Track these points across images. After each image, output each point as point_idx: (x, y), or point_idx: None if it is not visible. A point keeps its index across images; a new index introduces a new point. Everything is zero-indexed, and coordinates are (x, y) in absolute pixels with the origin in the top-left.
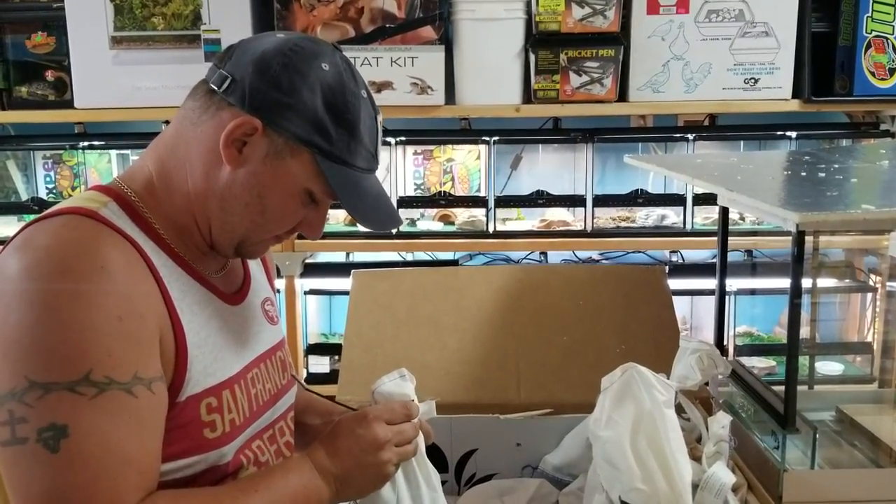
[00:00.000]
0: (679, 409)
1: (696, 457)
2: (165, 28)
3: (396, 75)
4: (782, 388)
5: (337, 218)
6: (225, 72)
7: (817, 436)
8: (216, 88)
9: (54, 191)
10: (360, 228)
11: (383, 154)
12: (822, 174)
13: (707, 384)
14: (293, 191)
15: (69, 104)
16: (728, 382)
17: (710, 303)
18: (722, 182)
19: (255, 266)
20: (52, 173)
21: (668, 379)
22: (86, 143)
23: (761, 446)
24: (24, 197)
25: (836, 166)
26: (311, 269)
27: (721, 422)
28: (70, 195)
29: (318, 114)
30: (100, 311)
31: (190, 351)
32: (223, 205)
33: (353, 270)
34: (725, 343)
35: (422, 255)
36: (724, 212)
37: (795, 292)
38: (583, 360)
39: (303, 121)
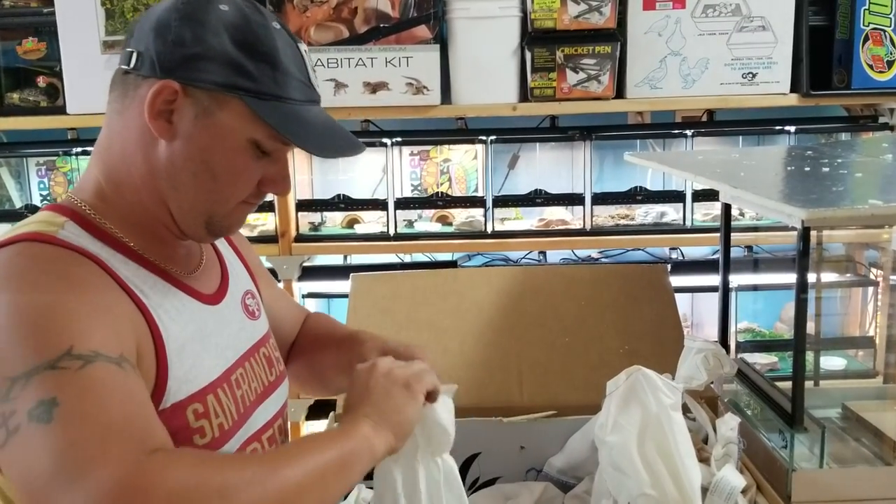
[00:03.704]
0: (685, 409)
1: (703, 458)
2: None
3: (391, 76)
4: (789, 385)
5: (334, 221)
6: (130, 48)
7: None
8: (127, 67)
9: (48, 197)
10: (358, 230)
11: (377, 154)
12: (826, 169)
13: (712, 383)
14: (236, 145)
15: (62, 110)
16: (734, 381)
17: (711, 300)
18: (725, 179)
19: (232, 260)
20: (45, 180)
21: (673, 379)
22: (79, 150)
23: (769, 445)
24: (18, 204)
25: (840, 161)
26: (309, 273)
27: (729, 423)
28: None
29: (229, 54)
30: (71, 312)
31: (169, 357)
32: (172, 183)
33: (351, 274)
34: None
35: (420, 257)
36: (727, 209)
37: (801, 288)
38: (586, 361)
39: (217, 66)
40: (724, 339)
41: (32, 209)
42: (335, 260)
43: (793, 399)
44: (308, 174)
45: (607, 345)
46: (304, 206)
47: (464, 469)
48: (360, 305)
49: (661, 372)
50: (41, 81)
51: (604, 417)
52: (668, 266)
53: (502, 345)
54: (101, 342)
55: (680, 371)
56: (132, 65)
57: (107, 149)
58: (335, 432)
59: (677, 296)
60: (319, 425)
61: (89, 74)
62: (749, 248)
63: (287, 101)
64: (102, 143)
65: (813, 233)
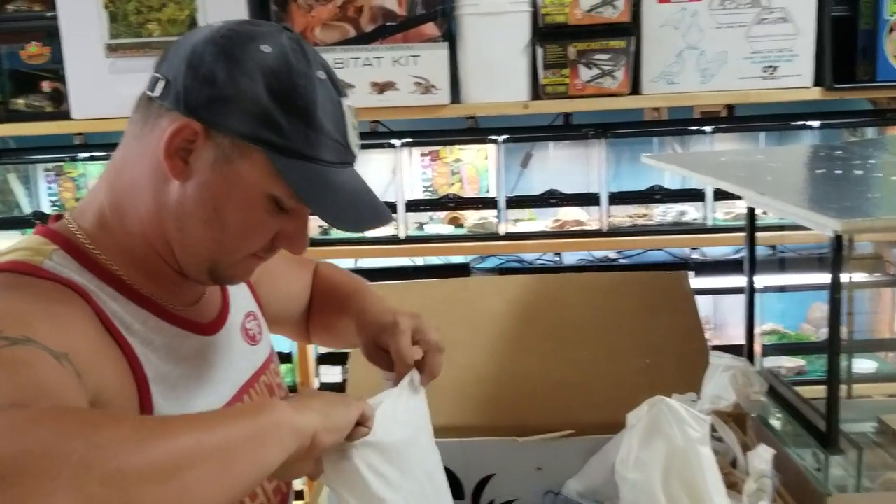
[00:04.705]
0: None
1: (731, 483)
2: (161, 34)
3: (399, 75)
4: (822, 402)
5: None
6: (159, 74)
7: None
8: (151, 94)
9: (57, 203)
10: (367, 234)
11: (387, 156)
12: (859, 171)
13: None
14: (252, 199)
15: (66, 115)
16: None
17: (734, 301)
18: (751, 184)
19: None
20: (54, 185)
21: (698, 398)
22: (86, 155)
23: (801, 466)
24: (27, 210)
25: (872, 162)
26: None
27: (763, 456)
28: (74, 207)
29: (261, 104)
30: (24, 313)
31: (154, 398)
32: (179, 225)
33: None
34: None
35: (433, 259)
36: (751, 211)
37: (835, 307)
38: (604, 377)
39: (245, 114)
40: (750, 349)
41: (41, 216)
42: (345, 264)
43: (827, 419)
44: None
45: (626, 359)
46: None
47: (478, 491)
48: None
49: (685, 390)
50: (45, 86)
51: (625, 452)
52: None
53: (515, 359)
54: (43, 336)
55: (706, 390)
56: (158, 93)
57: (117, 173)
58: (246, 406)
59: (698, 298)
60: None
61: (93, 78)
62: (773, 247)
63: (316, 161)
64: (115, 167)
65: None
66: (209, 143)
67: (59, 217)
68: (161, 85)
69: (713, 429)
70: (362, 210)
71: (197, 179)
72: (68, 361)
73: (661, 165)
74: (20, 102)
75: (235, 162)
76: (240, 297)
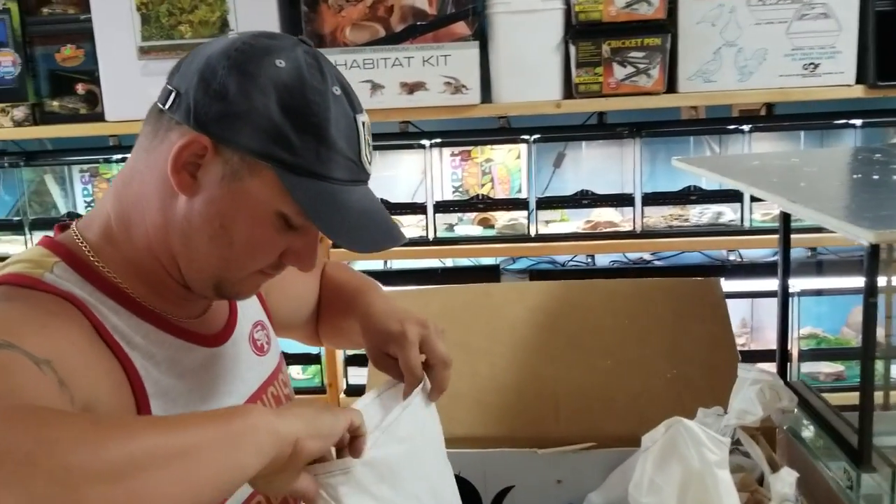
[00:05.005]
0: (736, 444)
1: (758, 502)
2: (193, 36)
3: (429, 75)
4: (856, 414)
5: None
6: (171, 86)
7: None
8: (162, 107)
9: (92, 204)
10: None
11: (416, 156)
12: None
13: None
14: (261, 216)
15: (101, 117)
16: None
17: (773, 304)
18: (783, 190)
19: None
20: (89, 186)
21: (725, 413)
22: (120, 156)
23: (832, 483)
24: (63, 211)
25: None
26: None
27: (786, 479)
28: (81, 218)
29: (273, 120)
30: (11, 320)
31: (154, 413)
32: (185, 241)
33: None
34: (789, 348)
35: (462, 261)
36: (786, 216)
37: (869, 310)
38: (629, 387)
39: (256, 131)
40: (783, 357)
41: (75, 216)
42: (375, 265)
43: (859, 436)
44: None
45: (653, 369)
46: None
47: (496, 503)
48: None
49: (713, 402)
50: (80, 88)
51: (638, 476)
52: (726, 270)
53: (537, 368)
54: (28, 342)
55: (732, 404)
56: (168, 106)
57: (125, 185)
58: (223, 409)
59: (736, 301)
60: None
61: (126, 80)
62: (813, 249)
63: (326, 179)
64: (123, 178)
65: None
66: (218, 159)
67: (64, 226)
68: (172, 97)
69: (738, 443)
70: (372, 231)
71: (204, 195)
72: (50, 368)
73: (691, 170)
74: (55, 105)
75: (244, 178)
76: (248, 307)
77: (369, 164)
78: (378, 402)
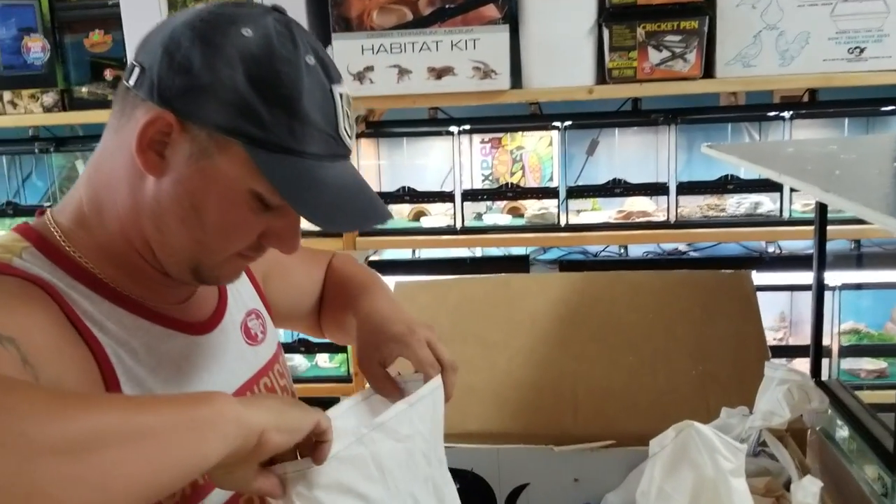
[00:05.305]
0: (762, 446)
1: None
2: None
3: (457, 60)
4: (892, 416)
5: (401, 213)
6: (136, 61)
7: None
8: (127, 83)
9: None
10: (424, 223)
11: (447, 143)
12: None
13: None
14: (233, 196)
15: None
16: (828, 406)
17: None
18: (816, 178)
19: None
20: None
21: (750, 413)
22: None
23: (865, 490)
24: None
25: None
26: (376, 268)
27: (809, 489)
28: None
29: (240, 93)
30: None
31: None
32: (156, 223)
33: (395, 281)
34: (829, 344)
35: (492, 251)
36: (822, 206)
37: None
38: (651, 385)
39: (222, 105)
40: (817, 354)
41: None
42: (402, 255)
43: (895, 439)
44: (375, 160)
45: (677, 366)
46: None
47: (510, 501)
48: None
49: (739, 401)
50: (108, 74)
51: (646, 483)
52: (759, 269)
53: (556, 363)
54: None
55: (759, 405)
56: (133, 82)
57: (96, 168)
58: (191, 394)
59: (775, 294)
60: None
61: None
62: (856, 241)
63: (300, 155)
64: (94, 161)
65: None
66: (185, 136)
67: (44, 212)
68: (137, 73)
69: (765, 444)
70: (351, 209)
71: (173, 175)
72: (13, 346)
73: (721, 157)
74: (84, 91)
75: (213, 156)
76: (243, 294)
77: (350, 138)
78: (355, 410)
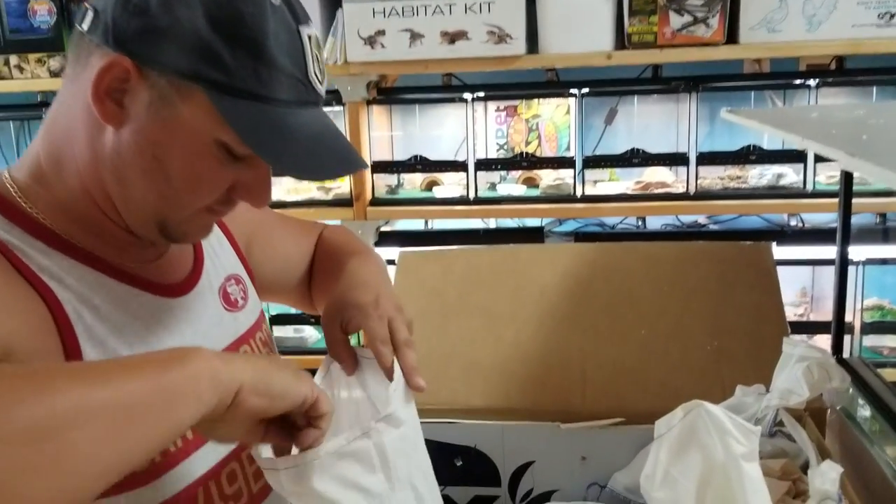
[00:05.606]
0: (779, 426)
1: (800, 492)
2: None
3: (471, 24)
4: None
5: (413, 183)
6: (89, 4)
7: None
8: (81, 28)
9: None
10: (437, 193)
11: (459, 111)
12: None
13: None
14: (198, 146)
15: None
16: (849, 385)
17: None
18: (842, 143)
19: (214, 240)
20: None
21: (767, 391)
22: None
23: (887, 471)
24: None
25: None
26: (387, 238)
27: (828, 475)
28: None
29: (200, 35)
30: None
31: (86, 357)
32: (118, 177)
33: (399, 252)
34: (851, 320)
35: (506, 222)
36: (847, 176)
37: None
38: (664, 360)
39: (182, 48)
40: (839, 331)
41: None
42: (415, 225)
43: None
44: (388, 130)
45: (692, 341)
46: (380, 167)
47: (515, 479)
48: (406, 286)
49: (757, 378)
50: None
51: (651, 467)
52: (779, 242)
53: (565, 336)
54: None
55: (776, 383)
56: (87, 27)
57: (53, 120)
58: (158, 355)
59: (796, 269)
60: None
61: None
62: (882, 215)
63: (267, 101)
64: (52, 113)
65: None
66: (144, 83)
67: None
68: (91, 17)
69: (782, 424)
70: (323, 157)
71: (133, 125)
72: None
73: (742, 122)
74: None
75: (175, 104)
76: (223, 259)
77: (320, 83)
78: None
